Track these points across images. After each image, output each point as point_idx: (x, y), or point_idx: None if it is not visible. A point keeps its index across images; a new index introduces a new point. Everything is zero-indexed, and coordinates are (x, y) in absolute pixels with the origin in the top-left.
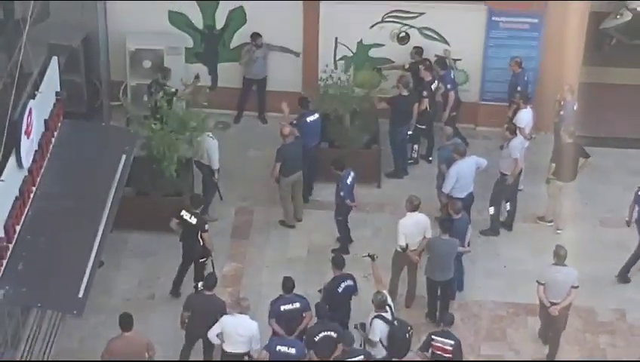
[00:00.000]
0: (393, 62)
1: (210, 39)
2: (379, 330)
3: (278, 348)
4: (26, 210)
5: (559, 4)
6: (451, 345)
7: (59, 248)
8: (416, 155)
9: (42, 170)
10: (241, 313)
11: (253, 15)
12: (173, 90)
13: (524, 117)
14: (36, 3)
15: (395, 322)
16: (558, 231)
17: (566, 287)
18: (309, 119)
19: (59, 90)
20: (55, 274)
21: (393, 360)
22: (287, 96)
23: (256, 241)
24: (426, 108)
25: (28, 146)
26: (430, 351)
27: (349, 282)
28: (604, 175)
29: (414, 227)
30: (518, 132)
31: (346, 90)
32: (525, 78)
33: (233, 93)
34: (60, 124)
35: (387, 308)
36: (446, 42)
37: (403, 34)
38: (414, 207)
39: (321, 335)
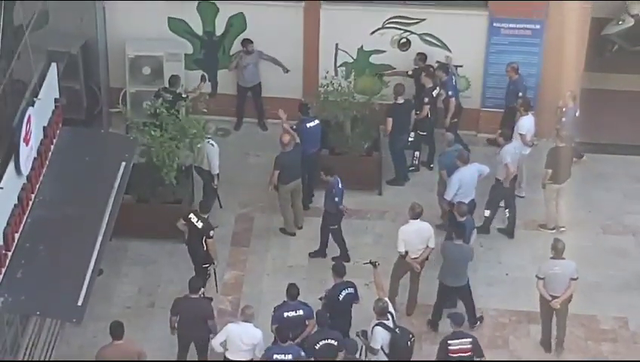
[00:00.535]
0: (394, 68)
1: (210, 45)
2: (380, 338)
3: (275, 356)
4: (25, 217)
5: (561, 10)
6: (469, 343)
7: (58, 256)
8: (417, 162)
9: (41, 178)
10: (245, 321)
11: (253, 21)
12: (184, 95)
13: (526, 124)
14: (36, 10)
15: (397, 329)
16: (562, 229)
17: (565, 280)
18: (308, 125)
19: (58, 96)
20: (54, 282)
21: None
22: (287, 102)
23: (257, 249)
24: (427, 114)
25: (27, 153)
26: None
27: (350, 290)
28: (606, 182)
29: (416, 234)
30: (518, 137)
31: (347, 97)
32: (524, 83)
33: (233, 99)
34: (58, 131)
35: (389, 315)
36: (447, 48)
37: (404, 40)
38: (417, 215)
39: (321, 343)
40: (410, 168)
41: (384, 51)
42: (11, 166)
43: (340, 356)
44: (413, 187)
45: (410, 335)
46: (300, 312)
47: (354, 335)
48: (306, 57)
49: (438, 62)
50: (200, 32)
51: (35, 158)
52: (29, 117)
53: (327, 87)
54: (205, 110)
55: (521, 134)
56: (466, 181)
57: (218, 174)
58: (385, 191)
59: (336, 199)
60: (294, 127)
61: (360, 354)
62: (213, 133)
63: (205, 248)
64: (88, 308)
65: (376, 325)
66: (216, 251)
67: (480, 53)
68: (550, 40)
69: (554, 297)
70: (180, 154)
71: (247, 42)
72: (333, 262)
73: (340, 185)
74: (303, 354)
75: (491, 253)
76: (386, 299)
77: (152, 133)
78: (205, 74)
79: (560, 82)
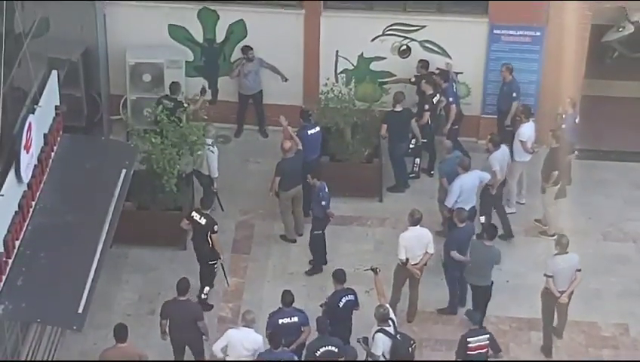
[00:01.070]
0: (394, 75)
1: (211, 53)
2: (381, 344)
3: None
4: (26, 224)
5: (561, 17)
6: (487, 339)
7: (58, 263)
8: (417, 169)
9: (42, 185)
10: (246, 326)
11: (253, 28)
12: (185, 104)
13: (527, 131)
14: (36, 17)
15: (398, 336)
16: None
17: (571, 273)
18: (309, 132)
19: (58, 104)
20: (55, 289)
21: None
22: (287, 109)
23: (257, 256)
24: (428, 121)
25: (27, 161)
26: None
27: (350, 297)
28: (606, 188)
29: (415, 241)
30: (518, 144)
31: (347, 104)
32: (518, 85)
33: (233, 106)
34: (59, 139)
35: (390, 321)
36: (447, 55)
37: (404, 47)
38: (416, 221)
39: (322, 349)
40: (411, 175)
41: (384, 58)
42: (12, 173)
43: None
44: (413, 194)
45: (412, 342)
46: (295, 319)
47: (355, 342)
48: (306, 64)
49: (438, 68)
50: (200, 39)
51: (35, 166)
52: (30, 124)
53: (328, 94)
54: (206, 117)
55: (521, 141)
56: (467, 188)
57: (217, 177)
58: (385, 198)
59: (324, 203)
60: (296, 133)
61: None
62: (213, 138)
63: (210, 244)
64: (89, 315)
65: (378, 331)
66: (220, 245)
67: (480, 60)
68: (550, 47)
69: (561, 292)
70: (180, 161)
71: (247, 49)
72: (334, 269)
73: (326, 190)
74: (295, 358)
75: None
76: (387, 305)
77: (153, 140)
78: (205, 86)
79: (560, 89)
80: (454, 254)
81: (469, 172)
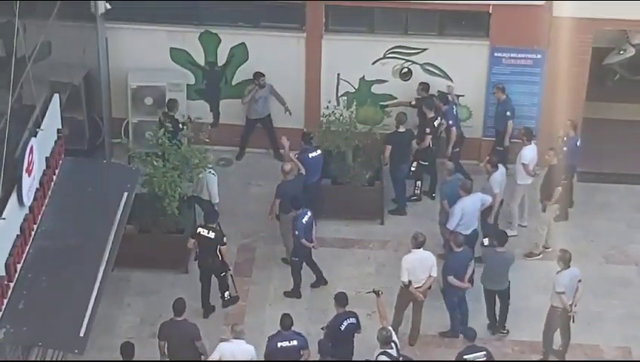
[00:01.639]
0: (396, 98)
1: (212, 76)
2: None
3: None
4: (27, 248)
5: (562, 40)
6: (484, 355)
7: (60, 286)
8: (419, 192)
9: (43, 208)
10: (236, 338)
11: (255, 52)
12: (183, 126)
13: (529, 153)
14: (38, 40)
15: (401, 358)
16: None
17: (575, 286)
18: (311, 155)
19: (60, 127)
20: (56, 312)
21: None
22: (289, 132)
23: (259, 279)
24: (429, 144)
25: (29, 184)
26: None
27: (352, 320)
28: (609, 211)
29: (419, 263)
30: (521, 167)
31: (349, 127)
32: (511, 103)
33: (235, 129)
34: (61, 162)
35: (392, 344)
36: (449, 78)
37: (405, 70)
38: (419, 244)
39: None
40: (412, 198)
41: (386, 81)
42: (14, 196)
43: None
44: (415, 216)
45: None
46: (294, 342)
47: None
48: (307, 87)
49: (438, 91)
50: (202, 63)
51: (37, 189)
52: (32, 147)
53: (329, 116)
54: (207, 140)
55: (523, 164)
56: (469, 211)
57: (217, 203)
58: (387, 220)
59: (297, 233)
60: (297, 155)
61: None
62: (214, 163)
63: (220, 257)
64: (90, 338)
65: (381, 354)
66: (229, 257)
67: (481, 83)
68: (551, 69)
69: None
70: (182, 184)
71: (258, 75)
72: (336, 292)
73: (303, 219)
74: None
75: None
76: (390, 327)
77: (155, 163)
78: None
79: (561, 112)
80: (452, 280)
81: (470, 195)
